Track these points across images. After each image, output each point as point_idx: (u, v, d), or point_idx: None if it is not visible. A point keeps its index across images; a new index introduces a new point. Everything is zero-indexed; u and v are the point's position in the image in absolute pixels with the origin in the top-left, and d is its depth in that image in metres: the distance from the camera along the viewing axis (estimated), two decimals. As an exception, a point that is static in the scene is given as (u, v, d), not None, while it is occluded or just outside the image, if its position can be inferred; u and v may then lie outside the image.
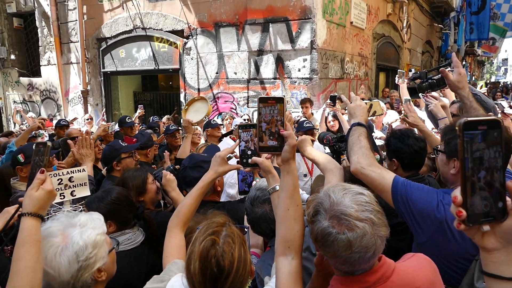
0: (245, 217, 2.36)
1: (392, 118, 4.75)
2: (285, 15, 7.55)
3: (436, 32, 18.20)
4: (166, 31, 9.05)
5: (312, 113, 6.65)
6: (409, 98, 3.96)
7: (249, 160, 1.66)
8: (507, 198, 0.81)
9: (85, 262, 1.43)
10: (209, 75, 8.68)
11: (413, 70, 5.73)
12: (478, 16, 19.70)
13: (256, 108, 1.49)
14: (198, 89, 8.87)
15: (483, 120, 0.80)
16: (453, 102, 3.47)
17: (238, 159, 1.76)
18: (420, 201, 1.65)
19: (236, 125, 6.31)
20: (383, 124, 4.70)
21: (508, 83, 29.39)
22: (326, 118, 5.21)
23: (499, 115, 3.03)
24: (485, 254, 0.85)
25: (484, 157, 0.79)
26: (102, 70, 10.19)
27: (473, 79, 27.88)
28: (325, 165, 2.14)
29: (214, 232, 1.34)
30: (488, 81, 29.50)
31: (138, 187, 2.62)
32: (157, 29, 9.16)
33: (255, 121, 1.65)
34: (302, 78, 7.59)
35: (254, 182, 2.34)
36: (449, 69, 2.67)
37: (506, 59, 63.98)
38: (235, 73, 8.35)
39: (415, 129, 2.96)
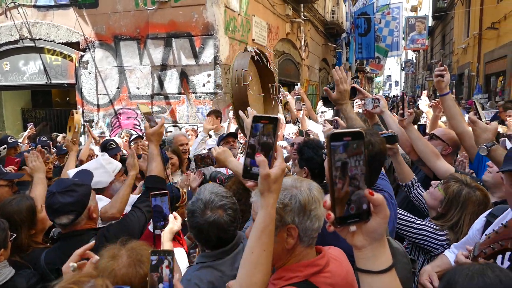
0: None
1: (290, 131, 5.03)
2: (188, 31, 7.56)
3: (330, 51, 19.91)
4: (59, 43, 8.39)
5: (222, 126, 6.69)
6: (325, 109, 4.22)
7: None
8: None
9: None
10: (109, 90, 8.24)
11: (298, 85, 6.22)
12: (365, 38, 22.14)
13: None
14: (98, 105, 8.36)
15: (348, 132, 0.89)
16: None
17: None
18: None
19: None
20: (283, 136, 4.96)
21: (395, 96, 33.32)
22: None
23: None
24: (356, 251, 0.94)
25: (348, 165, 0.87)
26: (-19, 84, 9.01)
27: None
28: None
29: None
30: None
31: (29, 221, 2.29)
32: (48, 41, 8.44)
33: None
34: (207, 93, 7.65)
35: (171, 215, 2.15)
36: (356, 81, 2.95)
37: (390, 76, 72.65)
38: (138, 88, 8.06)
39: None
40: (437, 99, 3.95)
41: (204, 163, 2.89)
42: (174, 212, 2.17)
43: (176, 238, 2.70)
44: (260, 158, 1.21)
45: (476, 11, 18.41)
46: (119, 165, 3.29)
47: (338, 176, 0.87)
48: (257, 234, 1.26)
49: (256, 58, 2.98)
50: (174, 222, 2.06)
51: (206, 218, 1.72)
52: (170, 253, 1.42)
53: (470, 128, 2.80)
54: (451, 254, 2.00)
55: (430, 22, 31.38)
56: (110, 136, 7.76)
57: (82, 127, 7.89)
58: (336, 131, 0.90)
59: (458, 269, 1.17)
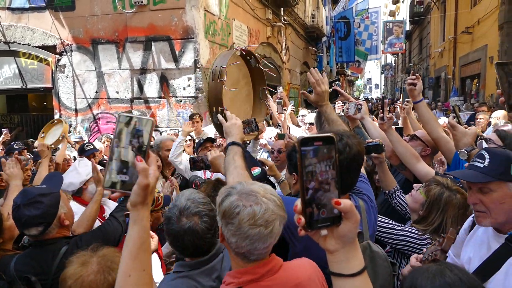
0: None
1: (272, 134, 5.05)
2: (168, 34, 7.50)
3: (311, 55, 20.09)
4: (35, 46, 8.19)
5: (203, 130, 6.65)
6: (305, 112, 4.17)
7: None
8: (342, 202, 0.89)
9: None
10: (87, 94, 8.09)
11: (281, 89, 6.25)
12: (345, 42, 22.51)
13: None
14: (76, 110, 8.19)
15: (318, 137, 0.89)
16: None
17: None
18: (293, 213, 1.75)
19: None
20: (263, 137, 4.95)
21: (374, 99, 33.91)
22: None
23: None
24: (329, 255, 0.94)
25: (317, 170, 0.87)
26: (-48, 89, 8.71)
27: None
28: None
29: None
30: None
31: None
32: (23, 44, 8.23)
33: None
34: (188, 97, 7.60)
35: None
36: (337, 83, 2.96)
37: (370, 79, 73.90)
38: (117, 92, 7.94)
39: None
40: (400, 102, 4.03)
41: (196, 167, 2.81)
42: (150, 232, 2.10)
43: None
44: (142, 165, 1.07)
45: (451, 16, 18.93)
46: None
47: (308, 180, 0.87)
48: (134, 253, 1.12)
49: (250, 59, 2.93)
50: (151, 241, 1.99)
51: (182, 225, 1.68)
52: None
53: (444, 133, 2.87)
54: None
55: (407, 27, 32.09)
56: (89, 141, 7.60)
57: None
58: (306, 136, 0.90)
59: (417, 271, 1.19)
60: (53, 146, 3.65)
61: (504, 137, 2.55)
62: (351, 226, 0.90)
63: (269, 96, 6.08)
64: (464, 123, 7.71)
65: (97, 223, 2.97)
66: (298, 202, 0.89)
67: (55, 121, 4.02)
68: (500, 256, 1.56)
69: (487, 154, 1.62)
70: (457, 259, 1.89)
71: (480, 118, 6.25)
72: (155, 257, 2.12)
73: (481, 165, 1.60)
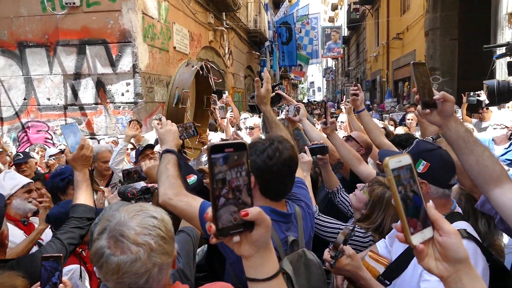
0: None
1: (216, 139, 5.01)
2: (103, 37, 7.17)
3: (255, 59, 20.33)
4: (-49, 49, 7.43)
5: (143, 136, 6.41)
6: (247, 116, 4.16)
7: None
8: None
9: None
10: (14, 101, 7.49)
11: (226, 93, 6.25)
12: (287, 46, 23.05)
13: None
14: (1, 118, 7.54)
15: (229, 144, 0.89)
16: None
17: None
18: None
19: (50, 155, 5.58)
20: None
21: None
22: None
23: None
24: (245, 261, 0.94)
25: (227, 177, 0.87)
26: None
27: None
28: None
29: None
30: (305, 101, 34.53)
31: None
32: None
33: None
34: (127, 103, 7.31)
35: (61, 285, 1.74)
36: (281, 87, 3.00)
37: (313, 82, 76.46)
38: (49, 99, 7.43)
39: None
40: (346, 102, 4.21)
41: (130, 178, 2.65)
42: (64, 279, 1.79)
43: (81, 256, 2.46)
44: None
45: (383, 22, 20.14)
46: (21, 182, 3.08)
47: (219, 188, 0.86)
48: None
49: (201, 73, 2.86)
50: None
51: None
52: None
53: (386, 140, 3.02)
54: (381, 243, 2.11)
55: (345, 32, 33.63)
56: (17, 151, 7.02)
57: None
58: (216, 143, 0.89)
59: None
60: None
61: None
62: (262, 231, 0.90)
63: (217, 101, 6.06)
64: (397, 123, 8.20)
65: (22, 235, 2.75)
66: (209, 210, 0.87)
67: None
68: None
69: (413, 144, 1.75)
70: (391, 249, 1.99)
71: (411, 120, 6.64)
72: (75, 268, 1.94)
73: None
